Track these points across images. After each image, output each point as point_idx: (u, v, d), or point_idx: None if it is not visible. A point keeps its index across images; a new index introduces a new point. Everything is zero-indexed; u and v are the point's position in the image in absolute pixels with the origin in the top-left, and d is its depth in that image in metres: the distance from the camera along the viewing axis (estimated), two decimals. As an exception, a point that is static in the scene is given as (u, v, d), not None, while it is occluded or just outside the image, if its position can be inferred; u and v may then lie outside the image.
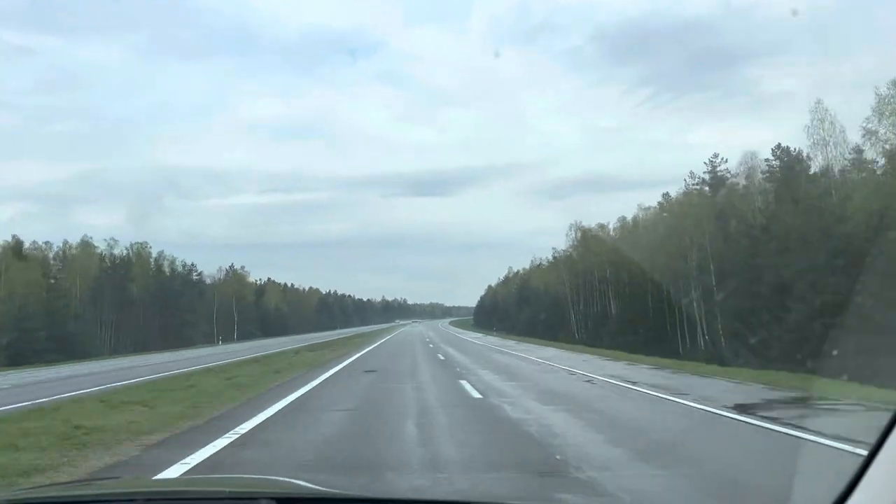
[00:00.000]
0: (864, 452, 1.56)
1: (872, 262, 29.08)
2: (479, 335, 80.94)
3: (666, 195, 64.56)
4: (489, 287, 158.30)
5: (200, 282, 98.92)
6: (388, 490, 2.98)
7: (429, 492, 2.33)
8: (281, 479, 2.53)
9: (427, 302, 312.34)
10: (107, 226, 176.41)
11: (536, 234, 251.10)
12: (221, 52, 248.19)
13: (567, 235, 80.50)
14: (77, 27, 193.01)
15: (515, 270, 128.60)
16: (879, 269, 28.03)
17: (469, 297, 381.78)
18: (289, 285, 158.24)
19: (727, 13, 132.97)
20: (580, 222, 79.49)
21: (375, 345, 49.53)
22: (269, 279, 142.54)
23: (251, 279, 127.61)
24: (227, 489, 2.32)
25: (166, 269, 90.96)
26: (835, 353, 28.49)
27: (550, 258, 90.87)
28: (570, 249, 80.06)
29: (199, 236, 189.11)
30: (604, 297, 69.85)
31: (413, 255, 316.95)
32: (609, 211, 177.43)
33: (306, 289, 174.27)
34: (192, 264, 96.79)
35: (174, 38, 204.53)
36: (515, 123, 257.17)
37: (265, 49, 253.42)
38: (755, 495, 5.97)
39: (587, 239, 75.61)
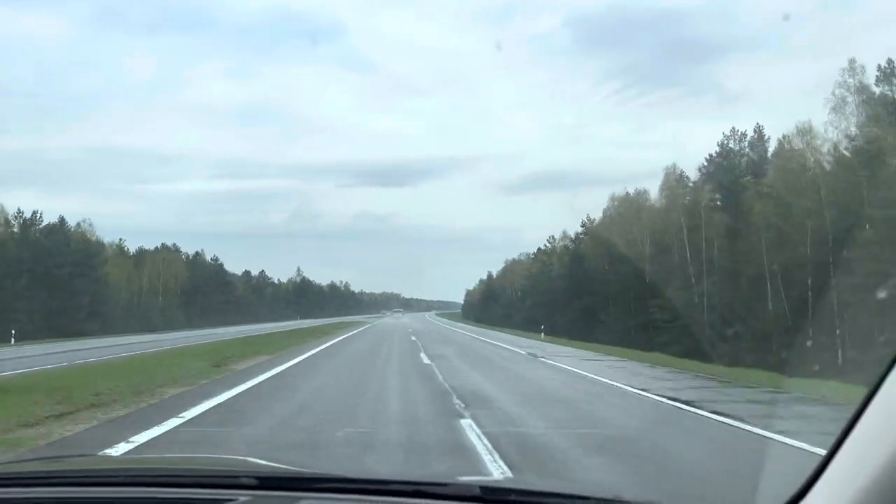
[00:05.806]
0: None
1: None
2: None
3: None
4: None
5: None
6: (370, 471, 2.87)
7: (415, 475, 2.23)
8: (239, 457, 2.35)
9: (378, 291, 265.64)
10: (39, 209, 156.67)
11: (503, 231, 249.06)
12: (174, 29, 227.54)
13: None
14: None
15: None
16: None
17: (429, 290, 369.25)
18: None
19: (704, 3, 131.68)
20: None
21: None
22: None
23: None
24: (206, 467, 2.19)
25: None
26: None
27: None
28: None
29: (139, 221, 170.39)
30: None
31: (367, 245, 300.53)
32: (583, 206, 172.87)
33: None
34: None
35: (121, 12, 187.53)
36: (479, 114, 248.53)
37: (221, 28, 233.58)
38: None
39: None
